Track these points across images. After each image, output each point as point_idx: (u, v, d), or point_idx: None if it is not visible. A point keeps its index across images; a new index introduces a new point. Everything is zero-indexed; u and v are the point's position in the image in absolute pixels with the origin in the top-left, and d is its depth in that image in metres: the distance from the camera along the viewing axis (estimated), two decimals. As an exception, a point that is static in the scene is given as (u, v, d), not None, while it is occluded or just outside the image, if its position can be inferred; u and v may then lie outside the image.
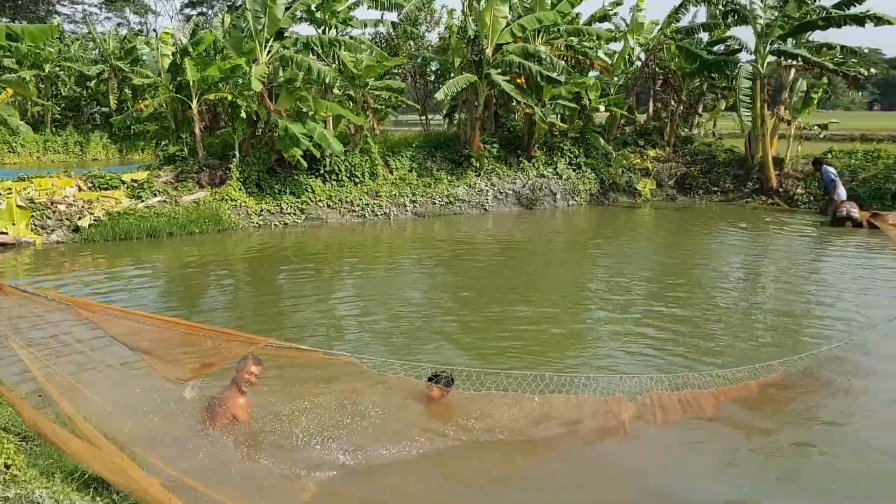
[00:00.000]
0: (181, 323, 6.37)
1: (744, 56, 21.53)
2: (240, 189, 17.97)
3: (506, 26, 19.67)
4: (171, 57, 18.91)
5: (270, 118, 17.83)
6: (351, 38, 18.52)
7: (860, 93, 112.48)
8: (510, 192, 21.01)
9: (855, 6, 19.14)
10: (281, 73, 17.94)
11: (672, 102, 23.31)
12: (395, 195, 19.61)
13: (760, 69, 19.91)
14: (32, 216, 15.64)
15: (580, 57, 21.02)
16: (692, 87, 23.75)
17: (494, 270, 13.53)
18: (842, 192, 18.91)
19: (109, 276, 12.81)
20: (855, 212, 17.43)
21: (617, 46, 24.26)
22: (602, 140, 22.87)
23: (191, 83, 18.06)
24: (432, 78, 23.84)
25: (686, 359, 8.29)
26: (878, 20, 18.19)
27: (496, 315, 10.13)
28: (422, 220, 19.37)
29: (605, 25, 24.11)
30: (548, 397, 6.42)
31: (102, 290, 11.61)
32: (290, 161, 17.95)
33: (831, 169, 19.49)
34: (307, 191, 18.67)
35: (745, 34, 23.89)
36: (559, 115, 21.71)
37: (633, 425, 6.43)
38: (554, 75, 19.51)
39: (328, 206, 18.76)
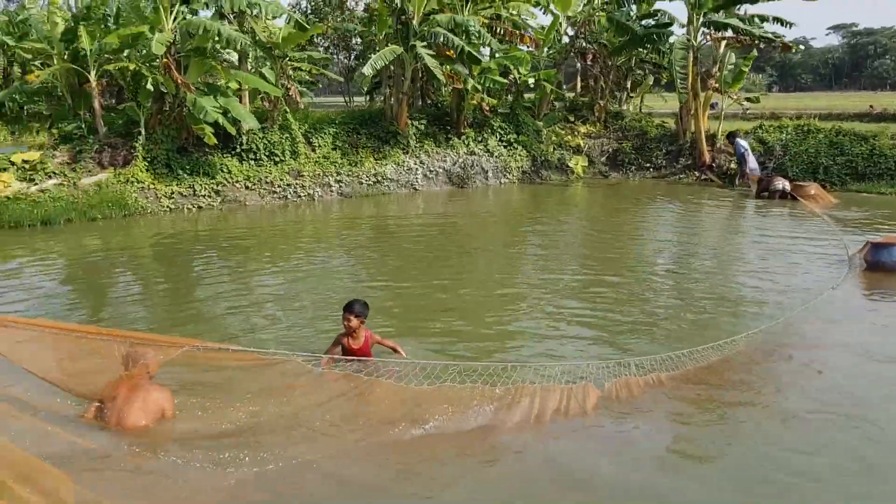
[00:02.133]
0: (88, 329, 5.39)
1: (675, 30, 21.10)
2: (147, 170, 16.35)
3: (433, -4, 18.61)
4: (63, 23, 17.04)
5: (179, 92, 16.24)
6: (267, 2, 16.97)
7: (759, 75, 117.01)
8: (440, 170, 20.01)
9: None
10: (189, 42, 16.35)
11: (602, 78, 22.73)
12: (319, 175, 18.33)
13: (693, 41, 19.49)
14: None
15: (510, 28, 20.12)
16: (620, 62, 23.24)
17: (426, 254, 12.31)
18: (752, 164, 19.38)
19: (-6, 270, 11.12)
20: (788, 185, 17.52)
21: (543, 21, 23.58)
22: (532, 116, 22.13)
23: (88, 52, 16.28)
24: (356, 53, 22.43)
25: (631, 343, 7.52)
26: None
27: (432, 302, 9.09)
28: (348, 201, 18.17)
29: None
30: (511, 388, 5.61)
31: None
32: (200, 137, 16.42)
33: (743, 142, 19.70)
34: (222, 171, 17.19)
35: (673, 8, 23.55)
36: (487, 90, 20.81)
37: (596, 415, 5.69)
38: (478, 53, 18.61)
39: (246, 187, 17.33)
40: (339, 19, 19.94)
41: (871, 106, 35.39)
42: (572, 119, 23.19)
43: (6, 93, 17.70)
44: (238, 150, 17.65)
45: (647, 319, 8.32)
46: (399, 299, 9.27)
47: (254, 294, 9.64)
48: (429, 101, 21.79)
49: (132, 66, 16.26)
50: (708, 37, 19.80)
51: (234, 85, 16.44)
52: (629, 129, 22.87)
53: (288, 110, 18.48)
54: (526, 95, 22.74)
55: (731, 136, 20.16)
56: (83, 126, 17.00)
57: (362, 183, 18.74)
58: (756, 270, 10.69)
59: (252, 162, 17.79)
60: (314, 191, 17.99)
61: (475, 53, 18.10)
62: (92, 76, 16.40)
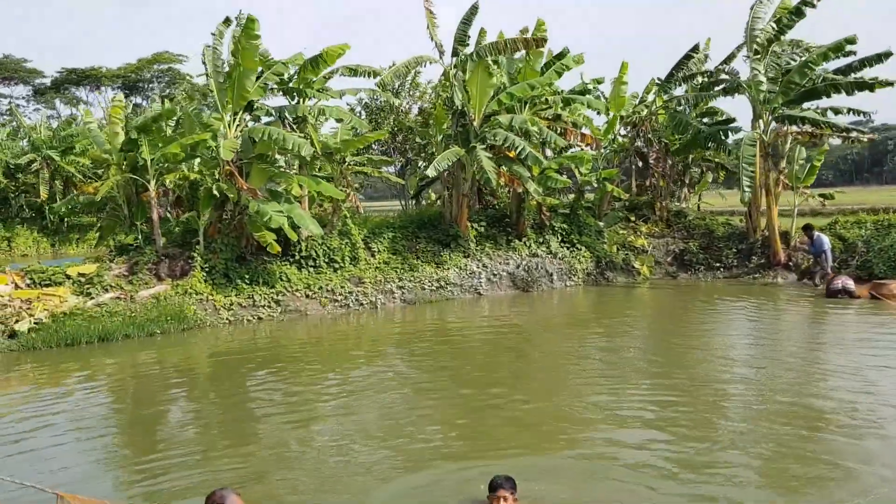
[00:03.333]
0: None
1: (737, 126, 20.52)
2: (205, 280, 15.62)
3: (493, 96, 18.23)
4: (122, 134, 16.77)
5: (241, 199, 15.70)
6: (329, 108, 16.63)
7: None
8: (504, 273, 19.13)
9: (861, 71, 18.45)
10: (252, 148, 15.91)
11: (662, 176, 22.06)
12: (381, 281, 17.50)
13: (763, 136, 18.85)
14: (-43, 321, 12.95)
15: (570, 129, 19.66)
16: (678, 160, 22.64)
17: (486, 368, 11.13)
18: (830, 260, 18.38)
19: (37, 398, 9.99)
20: (850, 284, 16.40)
21: (598, 120, 23.13)
22: (592, 216, 21.40)
23: (147, 162, 15.88)
24: (410, 155, 22.11)
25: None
26: (889, 84, 17.43)
27: (487, 429, 8.00)
28: (412, 308, 17.23)
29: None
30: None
31: (28, 419, 8.99)
32: (262, 245, 15.75)
33: (825, 237, 18.59)
34: (282, 279, 16.43)
35: (730, 105, 23.09)
36: (546, 190, 20.19)
37: None
38: (541, 155, 18.09)
39: (307, 295, 16.51)
40: (393, 122, 19.60)
41: None
42: (633, 219, 22.43)
43: (64, 202, 17.24)
44: (297, 258, 16.94)
45: (736, 464, 6.76)
46: (462, 436, 8.04)
47: (308, 421, 8.63)
48: (485, 202, 21.19)
49: (193, 175, 15.80)
50: (776, 133, 19.14)
51: (296, 190, 15.89)
52: (694, 227, 22.01)
53: (348, 215, 17.87)
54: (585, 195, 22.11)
55: (808, 229, 19.00)
56: (140, 237, 16.44)
57: (425, 288, 17.86)
58: (850, 401, 8.64)
59: (311, 269, 17.06)
60: (376, 298, 17.10)
61: (538, 155, 17.50)
62: (151, 186, 15.94)
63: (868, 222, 19.77)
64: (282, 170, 16.27)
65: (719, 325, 14.69)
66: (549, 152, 20.53)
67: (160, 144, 16.31)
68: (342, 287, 16.94)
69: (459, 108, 18.19)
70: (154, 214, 16.11)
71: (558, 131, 19.69)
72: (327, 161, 17.64)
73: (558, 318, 16.21)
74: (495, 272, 19.01)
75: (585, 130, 20.86)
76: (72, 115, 55.76)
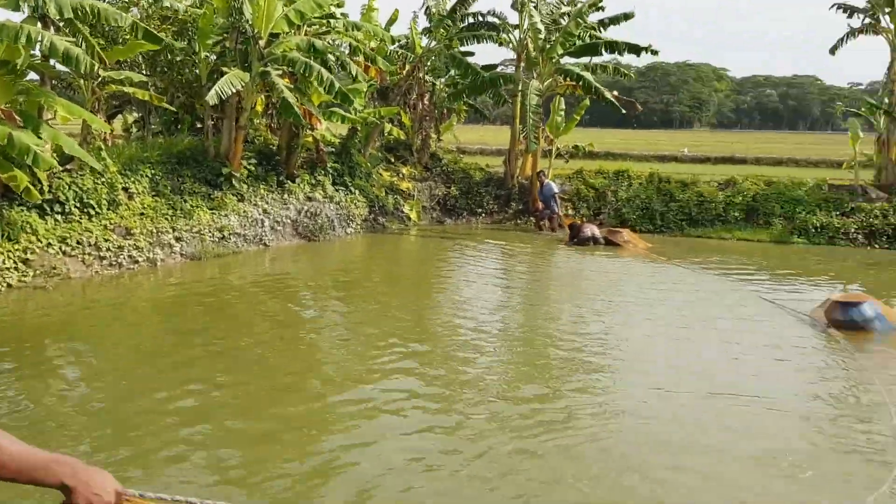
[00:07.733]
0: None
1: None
2: (-84, 234, 10.93)
3: (282, 13, 15.50)
4: None
5: (-29, 121, 11.14)
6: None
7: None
8: (287, 220, 16.81)
9: (608, 29, 19.70)
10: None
11: (426, 118, 21.17)
12: (153, 232, 14.10)
13: (541, 86, 19.10)
14: None
15: (360, 60, 17.70)
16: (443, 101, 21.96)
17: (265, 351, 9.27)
18: (556, 207, 19.42)
19: None
20: (597, 232, 17.78)
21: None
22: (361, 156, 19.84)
23: None
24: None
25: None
26: (653, 52, 18.89)
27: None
28: (195, 264, 14.26)
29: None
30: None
31: None
32: (13, 189, 11.50)
33: (553, 183, 19.73)
34: (26, 231, 12.25)
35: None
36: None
37: None
38: (342, 84, 16.02)
39: (63, 252, 12.58)
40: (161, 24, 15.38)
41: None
42: (392, 160, 21.35)
43: None
44: (39, 202, 12.75)
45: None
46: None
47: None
48: (246, 137, 18.25)
49: None
50: (553, 84, 19.56)
51: (62, 117, 11.77)
52: (452, 172, 21.73)
53: (103, 147, 13.95)
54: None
55: (540, 174, 20.04)
56: None
57: (206, 240, 14.87)
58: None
59: (59, 217, 13.01)
60: (154, 253, 13.76)
61: (345, 90, 15.42)
62: None
63: (609, 172, 21.38)
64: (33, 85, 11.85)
65: (475, 270, 15.18)
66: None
67: None
68: (106, 240, 13.26)
69: (248, 22, 15.12)
70: None
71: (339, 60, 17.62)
72: (76, 75, 13.41)
73: (327, 276, 14.68)
74: (278, 220, 16.61)
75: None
76: None
